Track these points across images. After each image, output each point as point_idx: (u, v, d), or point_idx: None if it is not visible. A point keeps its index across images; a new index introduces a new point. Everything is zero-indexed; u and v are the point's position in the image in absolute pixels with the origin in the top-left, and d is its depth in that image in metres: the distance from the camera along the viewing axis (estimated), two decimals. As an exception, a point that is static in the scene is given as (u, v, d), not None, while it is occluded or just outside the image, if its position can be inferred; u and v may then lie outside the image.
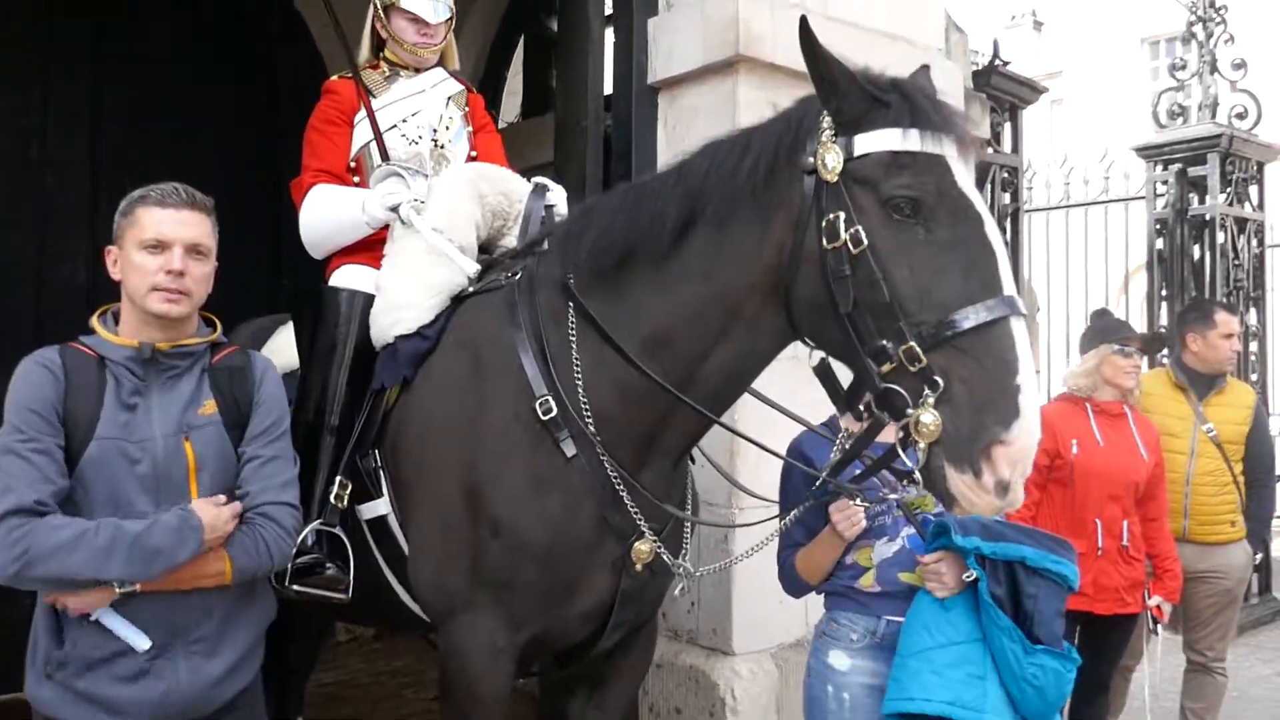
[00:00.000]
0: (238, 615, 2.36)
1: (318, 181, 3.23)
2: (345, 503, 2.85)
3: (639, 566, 2.59)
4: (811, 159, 2.19)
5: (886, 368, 2.08)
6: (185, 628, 2.26)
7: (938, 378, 2.01)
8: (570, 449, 2.53)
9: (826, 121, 2.20)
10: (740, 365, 2.49)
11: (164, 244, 2.28)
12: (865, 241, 2.09)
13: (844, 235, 2.11)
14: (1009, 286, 2.06)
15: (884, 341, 2.07)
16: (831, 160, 2.15)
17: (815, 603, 3.03)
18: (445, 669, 2.68)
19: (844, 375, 2.33)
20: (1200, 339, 4.72)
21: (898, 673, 2.54)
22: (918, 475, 2.08)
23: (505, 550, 2.53)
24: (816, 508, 2.69)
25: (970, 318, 2.01)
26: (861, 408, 2.25)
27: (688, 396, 2.46)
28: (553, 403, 2.53)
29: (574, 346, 2.56)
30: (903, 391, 2.05)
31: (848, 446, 2.44)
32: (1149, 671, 4.06)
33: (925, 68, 2.41)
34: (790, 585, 2.88)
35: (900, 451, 2.12)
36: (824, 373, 2.34)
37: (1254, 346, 7.88)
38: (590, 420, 2.52)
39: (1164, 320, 7.75)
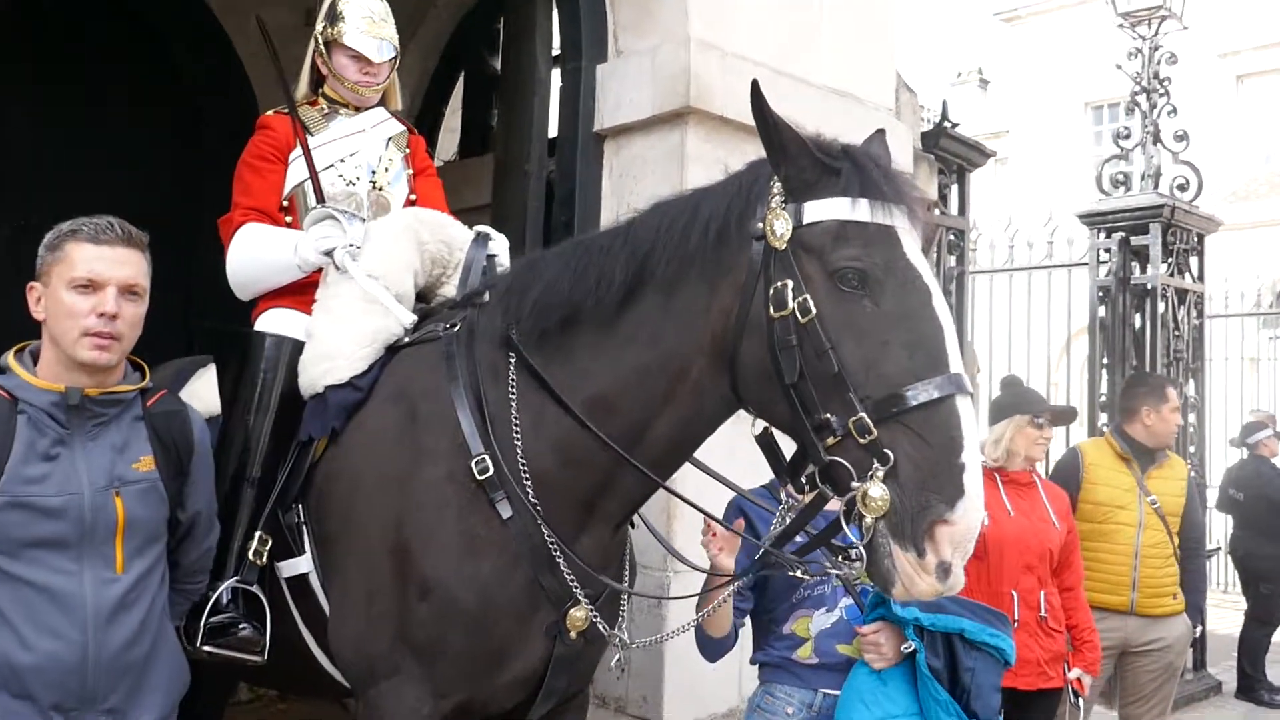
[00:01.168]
0: (150, 683, 2.29)
1: (248, 220, 3.21)
2: (264, 559, 2.81)
3: (573, 634, 2.58)
4: (760, 225, 2.23)
5: (831, 441, 2.11)
6: (95, 695, 2.18)
7: (887, 451, 2.04)
8: (506, 510, 2.52)
9: (776, 187, 2.24)
10: (685, 431, 2.51)
11: (96, 284, 2.20)
12: (813, 311, 2.13)
13: (791, 304, 2.15)
14: (955, 363, 2.11)
15: (829, 415, 2.11)
16: (780, 227, 2.20)
17: (750, 672, 3.04)
18: None
19: (787, 444, 2.37)
20: (1155, 413, 4.85)
21: None
22: (860, 550, 2.10)
23: (433, 614, 2.51)
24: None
25: (918, 394, 2.05)
26: (804, 480, 2.28)
27: (644, 449, 2.48)
28: (489, 462, 2.52)
29: (514, 404, 2.56)
30: (848, 465, 2.09)
31: (789, 519, 2.47)
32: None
33: (880, 133, 2.47)
34: (702, 645, 2.87)
35: (845, 525, 2.13)
36: (767, 443, 2.40)
37: (1192, 418, 8.08)
38: (528, 482, 2.52)
39: (1104, 388, 7.91)
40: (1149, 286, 7.71)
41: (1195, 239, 8.12)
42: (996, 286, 8.77)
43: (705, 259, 2.33)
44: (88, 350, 2.19)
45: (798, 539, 2.45)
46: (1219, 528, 9.36)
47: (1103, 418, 7.86)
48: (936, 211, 6.00)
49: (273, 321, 3.11)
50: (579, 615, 2.56)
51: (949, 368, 2.08)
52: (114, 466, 2.23)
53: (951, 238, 6.17)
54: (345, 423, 2.81)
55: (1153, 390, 4.96)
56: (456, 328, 2.78)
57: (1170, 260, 7.81)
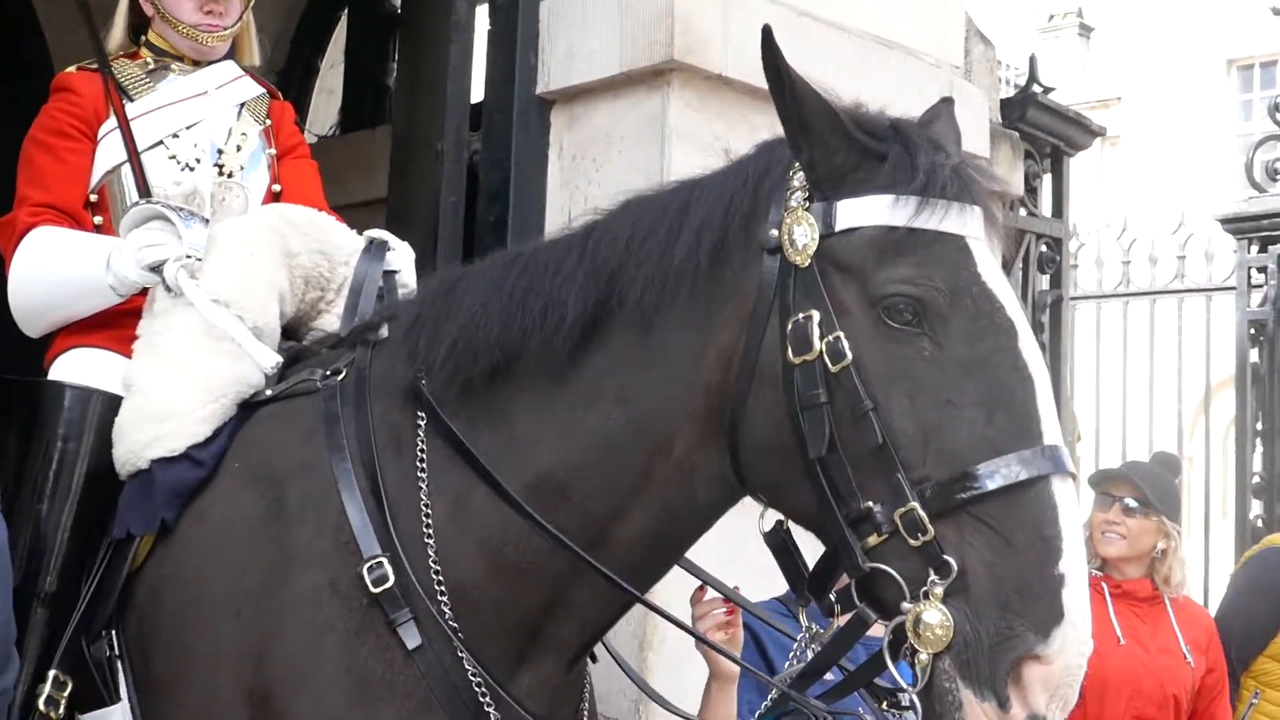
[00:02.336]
0: None
1: (38, 221, 3.19)
2: (61, 710, 2.78)
3: None
4: (775, 232, 2.24)
5: (873, 540, 2.12)
6: None
7: (949, 557, 2.04)
8: (413, 638, 2.50)
9: (798, 180, 2.26)
10: (668, 528, 2.52)
11: None
12: (848, 356, 2.13)
13: (818, 345, 2.16)
14: (1051, 431, 2.11)
15: (870, 503, 2.11)
16: (802, 236, 2.21)
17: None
18: None
19: (808, 543, 2.38)
20: None
21: None
22: (913, 698, 2.11)
23: None
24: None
25: (997, 475, 2.05)
26: (834, 596, 2.29)
27: (605, 553, 2.47)
28: (389, 568, 2.51)
29: (423, 485, 2.56)
30: (897, 577, 2.09)
31: (813, 652, 2.50)
32: None
33: (945, 103, 2.51)
34: None
35: (889, 661, 2.14)
36: (779, 544, 2.40)
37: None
38: (444, 597, 2.52)
39: (1259, 464, 7.91)
40: (1321, 321, 7.75)
41: (1386, 254, 8.18)
42: (1106, 317, 8.80)
43: (696, 282, 2.34)
44: None
45: (828, 676, 2.45)
46: None
47: (1256, 506, 7.86)
48: (1023, 212, 6.05)
49: (76, 366, 3.10)
50: None
51: (1042, 437, 2.09)
52: None
53: (1044, 249, 6.21)
54: (180, 513, 2.79)
55: None
56: (341, 375, 2.77)
57: (1352, 284, 7.85)
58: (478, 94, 5.00)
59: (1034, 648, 1.99)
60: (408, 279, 3.17)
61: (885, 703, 2.25)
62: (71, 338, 3.19)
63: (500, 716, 2.52)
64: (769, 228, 2.25)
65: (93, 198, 3.29)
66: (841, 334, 2.14)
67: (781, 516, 2.38)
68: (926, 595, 2.04)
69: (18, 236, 3.19)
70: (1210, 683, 4.16)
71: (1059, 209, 6.30)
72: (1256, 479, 7.93)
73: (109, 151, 3.30)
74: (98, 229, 3.25)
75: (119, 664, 2.79)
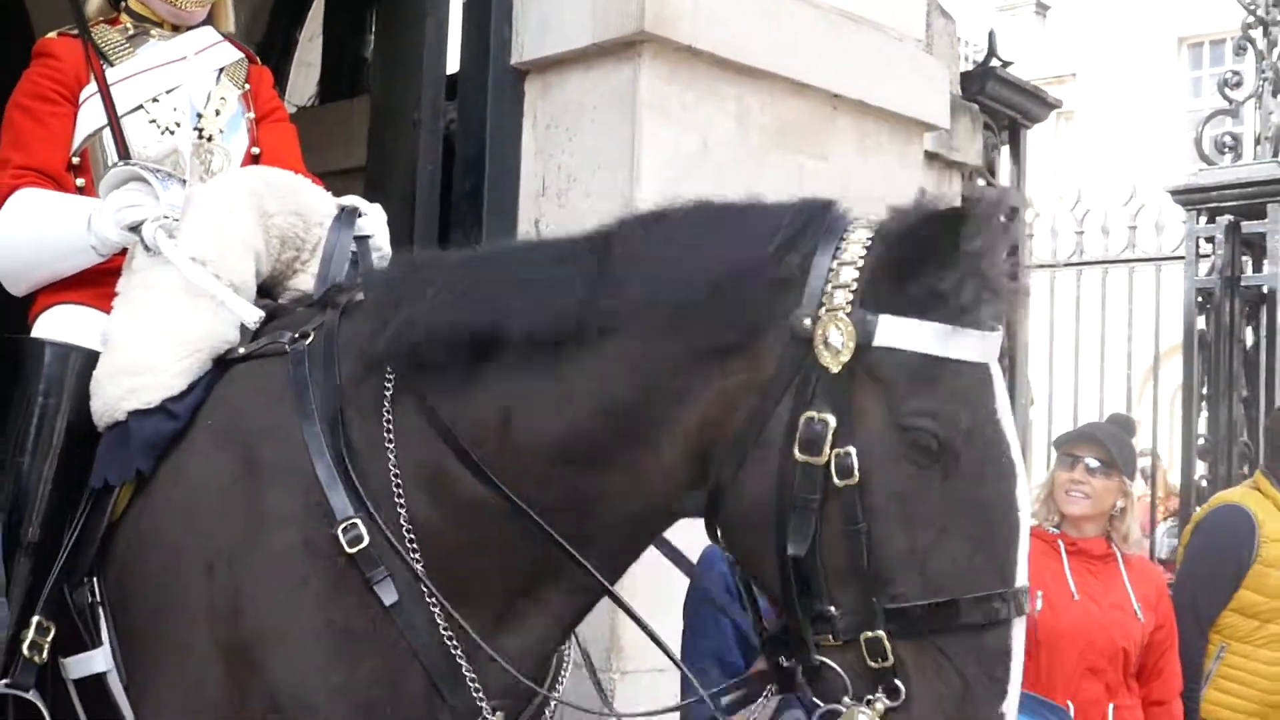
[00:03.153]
0: None
1: (21, 184, 3.17)
2: (45, 654, 2.76)
3: None
4: (808, 322, 2.14)
5: (828, 643, 2.14)
6: None
7: (900, 684, 2.07)
8: (390, 595, 2.48)
9: (848, 276, 2.14)
10: (642, 518, 2.51)
11: None
12: (857, 476, 2.09)
13: (828, 452, 2.10)
14: (1022, 575, 2.13)
15: (835, 609, 2.12)
16: (837, 340, 2.12)
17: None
18: None
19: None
20: None
21: None
22: None
23: None
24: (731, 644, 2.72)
25: (974, 612, 2.07)
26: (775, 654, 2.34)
27: (581, 536, 2.45)
28: (364, 529, 2.48)
29: (390, 451, 2.53)
30: (846, 682, 2.12)
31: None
32: None
33: (1012, 211, 2.32)
34: None
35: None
36: (747, 583, 2.45)
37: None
38: (418, 555, 2.49)
39: (1203, 427, 7.93)
40: (1265, 289, 7.73)
41: (1330, 226, 8.19)
42: (1060, 285, 8.80)
43: (709, 326, 2.24)
44: None
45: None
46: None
47: (1201, 467, 7.89)
48: (981, 182, 6.04)
49: (57, 323, 3.08)
50: None
51: (1015, 580, 2.11)
52: None
53: (1001, 217, 6.19)
54: (156, 464, 2.77)
55: None
56: (309, 339, 2.75)
57: (1297, 255, 7.85)
58: (454, 65, 4.95)
59: None
60: (381, 242, 3.15)
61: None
62: (54, 295, 3.18)
63: (475, 672, 2.50)
64: (803, 315, 2.14)
65: (75, 160, 3.26)
66: (854, 450, 2.09)
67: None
68: (869, 704, 2.07)
69: (1, 198, 3.16)
70: (1160, 638, 4.16)
71: (1017, 179, 6.28)
72: (1202, 440, 7.95)
73: (90, 115, 3.27)
74: (80, 191, 3.22)
75: (100, 610, 2.76)
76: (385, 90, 5.13)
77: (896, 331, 2.11)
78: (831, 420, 2.10)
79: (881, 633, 2.07)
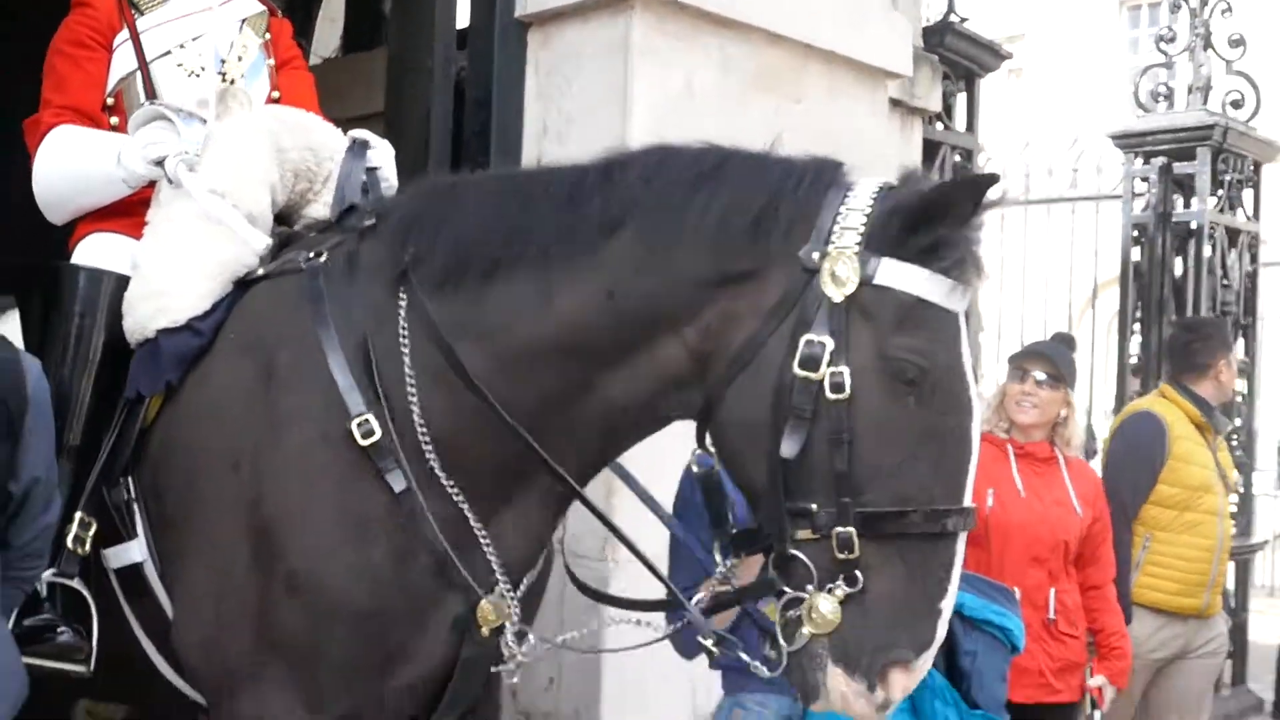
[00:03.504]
0: None
1: (60, 122, 3.10)
2: (87, 547, 2.74)
3: (485, 631, 2.53)
4: (817, 256, 2.17)
5: (804, 535, 2.15)
6: None
7: (860, 575, 2.12)
8: (399, 483, 2.45)
9: (856, 221, 2.18)
10: (624, 419, 2.47)
11: None
12: (848, 391, 2.12)
13: (824, 370, 2.12)
14: (969, 495, 2.20)
15: (814, 506, 2.14)
16: (844, 273, 2.15)
17: (703, 678, 2.97)
18: None
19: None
20: (1228, 366, 4.89)
21: None
22: (782, 653, 2.20)
23: (306, 611, 2.47)
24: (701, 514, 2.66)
25: (926, 523, 2.14)
26: (741, 547, 2.37)
27: (562, 438, 2.43)
28: (375, 424, 2.45)
29: (405, 355, 2.48)
30: (813, 571, 2.15)
31: (721, 589, 2.50)
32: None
33: (992, 179, 2.30)
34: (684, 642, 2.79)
35: (778, 623, 2.22)
36: (712, 488, 2.42)
37: (1241, 384, 8.11)
38: (430, 448, 2.46)
39: (1135, 348, 7.93)
40: (1194, 225, 7.71)
41: (1251, 168, 8.11)
42: (1009, 222, 8.72)
43: (721, 241, 2.25)
44: None
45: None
46: (1270, 517, 9.48)
47: (1133, 383, 7.88)
48: (939, 126, 5.93)
49: (93, 250, 3.01)
50: (490, 609, 2.51)
51: (963, 500, 2.18)
52: None
53: (958, 159, 6.10)
54: (183, 376, 2.74)
55: (1223, 337, 4.94)
56: (324, 257, 2.71)
57: (1220, 193, 7.79)
58: (464, 19, 4.87)
59: (907, 659, 2.15)
60: (388, 173, 3.07)
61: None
62: (91, 224, 3.11)
63: (476, 553, 2.49)
64: (813, 249, 2.17)
65: (109, 101, 3.17)
66: (846, 371, 2.12)
67: (715, 461, 2.36)
68: (830, 591, 2.13)
69: (41, 135, 3.10)
70: (1095, 530, 4.15)
71: (971, 124, 6.23)
72: (1134, 360, 7.96)
73: (122, 60, 3.18)
74: (114, 129, 3.14)
75: (135, 507, 2.75)
76: (402, 42, 5.07)
77: (895, 274, 2.15)
78: (830, 343, 2.12)
79: (852, 529, 2.10)
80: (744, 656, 2.37)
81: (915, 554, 2.15)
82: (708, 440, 2.37)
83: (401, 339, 2.49)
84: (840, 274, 2.14)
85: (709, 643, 2.46)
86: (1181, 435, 4.78)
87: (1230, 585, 7.95)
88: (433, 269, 2.48)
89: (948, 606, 2.17)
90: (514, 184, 2.54)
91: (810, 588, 2.14)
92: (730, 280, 2.25)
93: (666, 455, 2.68)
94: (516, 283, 2.41)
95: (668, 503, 2.87)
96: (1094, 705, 4.14)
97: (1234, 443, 7.74)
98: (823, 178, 2.26)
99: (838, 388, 2.11)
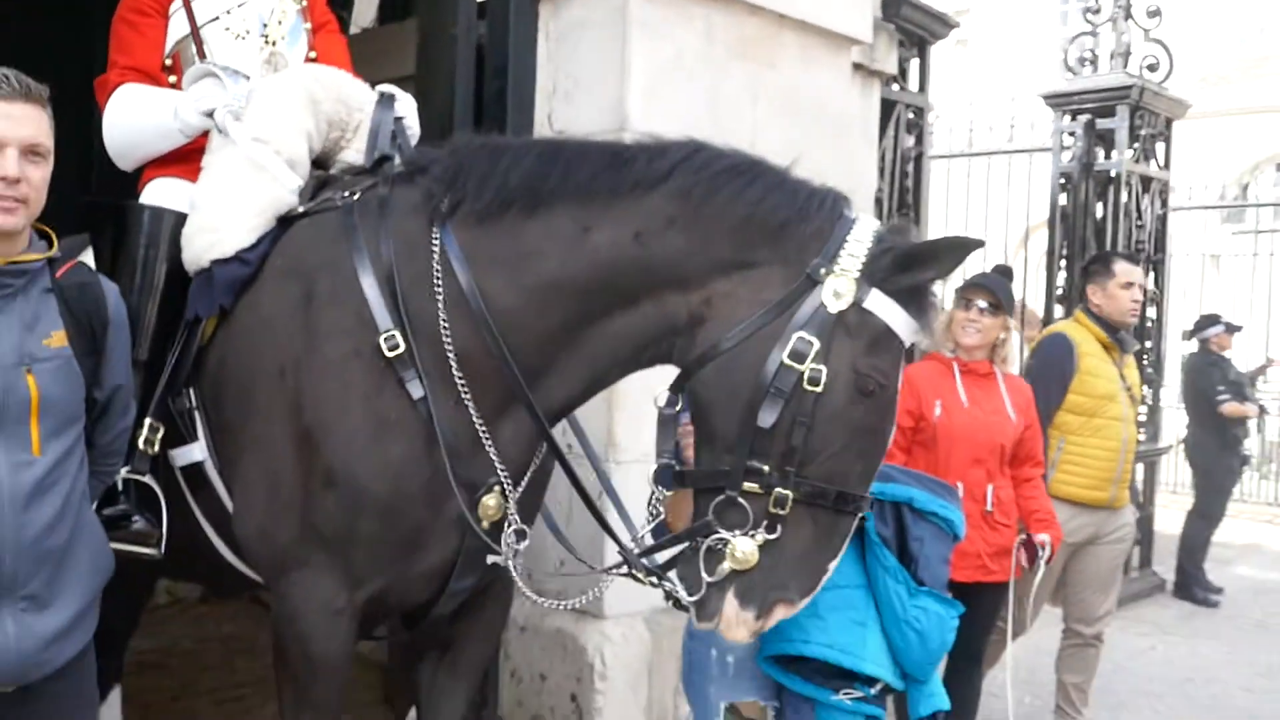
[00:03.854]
0: (70, 571, 2.20)
1: (125, 81, 3.02)
2: (156, 448, 2.72)
3: (486, 524, 2.52)
4: (824, 271, 2.22)
5: (749, 487, 2.21)
6: (13, 582, 2.10)
7: (782, 530, 2.20)
8: (417, 390, 2.43)
9: (864, 253, 2.23)
10: (629, 352, 2.45)
11: None
12: (821, 388, 2.18)
13: (807, 365, 2.18)
14: (870, 485, 2.32)
15: (766, 468, 2.20)
16: (844, 291, 2.21)
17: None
18: (279, 632, 2.62)
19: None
20: (1100, 290, 4.82)
21: None
22: (702, 573, 2.25)
23: (341, 503, 2.46)
24: None
25: (842, 502, 2.23)
26: (683, 480, 2.36)
27: (569, 360, 2.44)
28: (400, 339, 2.43)
29: (437, 281, 2.45)
30: (750, 515, 2.21)
31: (656, 523, 2.49)
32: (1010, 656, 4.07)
33: (977, 243, 2.36)
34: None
35: (700, 556, 2.27)
36: (667, 422, 2.39)
37: (1151, 313, 8.06)
38: (454, 361, 2.43)
39: (1061, 281, 7.87)
40: (1113, 173, 7.64)
41: (1163, 124, 8.03)
42: (954, 172, 8.61)
43: (748, 231, 2.28)
44: None
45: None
46: (1173, 425, 9.45)
47: (1058, 310, 7.86)
48: (895, 87, 5.78)
49: (157, 192, 2.95)
50: (492, 504, 2.51)
51: (869, 490, 2.30)
52: (23, 343, 2.12)
53: (911, 116, 5.96)
54: (235, 301, 2.71)
55: (1100, 268, 4.92)
56: (357, 196, 2.66)
57: (1136, 145, 7.71)
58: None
59: (793, 599, 2.26)
60: (411, 123, 3.00)
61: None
62: (156, 170, 3.04)
63: (480, 451, 2.48)
64: (822, 264, 2.22)
65: (168, 62, 3.09)
66: (824, 370, 2.18)
67: (678, 404, 2.36)
68: (752, 536, 2.21)
69: (109, 93, 3.03)
70: (1028, 435, 4.13)
71: (923, 86, 6.08)
72: (1059, 291, 7.92)
73: (177, 25, 3.09)
74: (172, 87, 3.06)
75: (196, 413, 2.75)
76: (429, 13, 4.92)
77: (879, 304, 2.23)
78: (816, 344, 2.19)
79: (790, 492, 2.19)
80: (671, 583, 2.39)
81: (824, 521, 2.24)
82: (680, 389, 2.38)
83: (435, 270, 2.44)
84: (840, 291, 2.20)
85: (647, 579, 2.45)
86: (1088, 353, 4.76)
87: (1140, 484, 8.02)
88: (476, 207, 2.44)
89: (833, 566, 2.28)
90: (554, 145, 2.51)
91: (738, 531, 2.21)
92: (741, 266, 2.27)
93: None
94: (556, 218, 2.38)
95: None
96: (1042, 552, 4.01)
97: (1145, 361, 7.74)
98: (837, 206, 2.30)
99: (814, 382, 2.18)
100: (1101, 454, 4.69)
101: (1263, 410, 9.09)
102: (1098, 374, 4.74)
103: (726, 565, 2.21)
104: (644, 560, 2.46)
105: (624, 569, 2.51)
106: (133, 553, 2.64)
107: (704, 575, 2.25)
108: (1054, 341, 4.92)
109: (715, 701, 2.76)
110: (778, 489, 2.19)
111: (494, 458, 2.48)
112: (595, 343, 2.42)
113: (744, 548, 2.20)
